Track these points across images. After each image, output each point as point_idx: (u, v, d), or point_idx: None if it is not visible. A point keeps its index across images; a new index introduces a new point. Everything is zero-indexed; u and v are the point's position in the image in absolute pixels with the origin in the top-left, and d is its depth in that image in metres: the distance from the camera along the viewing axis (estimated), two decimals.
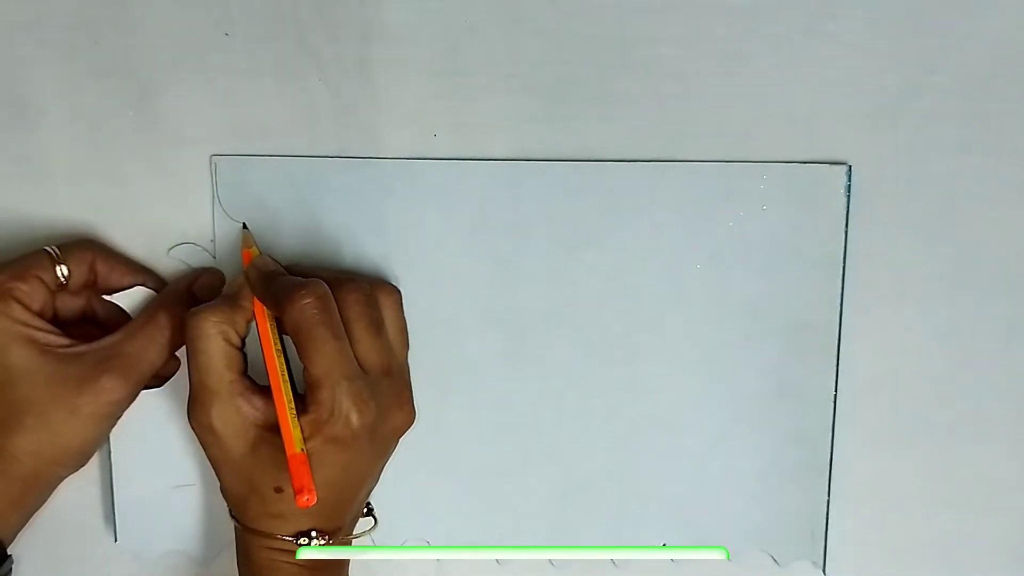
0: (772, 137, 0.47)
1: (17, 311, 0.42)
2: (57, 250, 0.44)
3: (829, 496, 0.48)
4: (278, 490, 0.42)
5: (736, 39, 0.46)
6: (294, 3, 0.46)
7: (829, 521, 0.48)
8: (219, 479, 0.44)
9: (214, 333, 0.42)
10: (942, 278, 0.48)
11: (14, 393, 0.42)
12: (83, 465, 0.45)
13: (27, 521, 0.44)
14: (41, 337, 0.42)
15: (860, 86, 0.46)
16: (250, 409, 0.42)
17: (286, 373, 0.43)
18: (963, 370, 0.48)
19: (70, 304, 0.45)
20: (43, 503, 0.45)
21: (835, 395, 0.48)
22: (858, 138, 0.47)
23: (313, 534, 0.43)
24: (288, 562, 0.43)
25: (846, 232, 0.47)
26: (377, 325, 0.43)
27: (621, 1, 0.46)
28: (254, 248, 0.46)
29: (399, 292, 0.45)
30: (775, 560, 0.49)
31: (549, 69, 0.46)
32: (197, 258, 0.47)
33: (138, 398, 0.44)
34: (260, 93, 0.46)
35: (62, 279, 0.44)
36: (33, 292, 0.43)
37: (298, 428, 0.41)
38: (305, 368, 0.41)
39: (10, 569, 0.44)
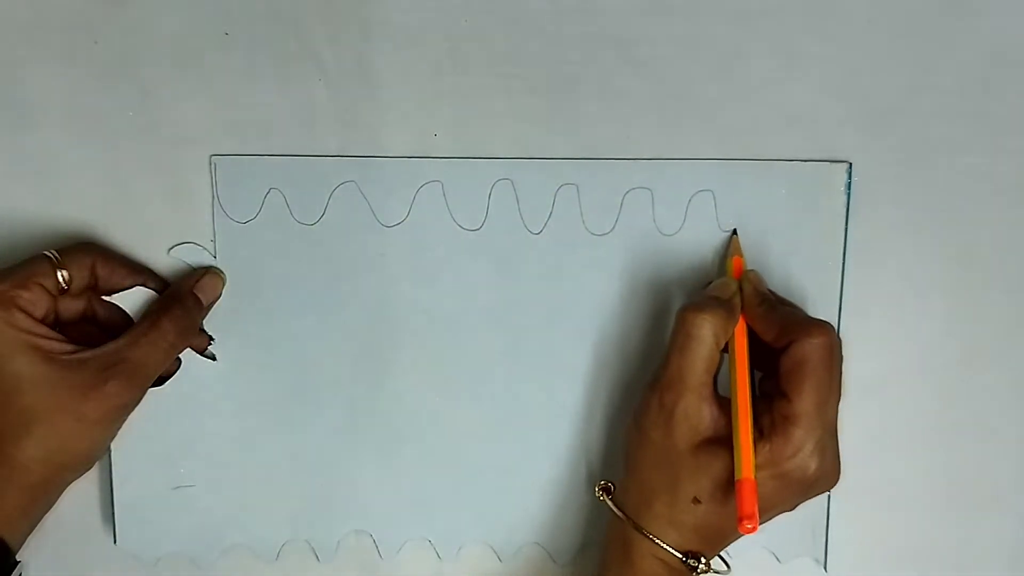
0: (772, 135, 0.47)
1: (20, 319, 0.42)
2: (57, 254, 0.44)
3: (830, 494, 0.48)
4: (695, 501, 0.42)
5: (736, 39, 0.46)
6: (294, 3, 0.46)
7: (830, 518, 0.48)
8: (635, 469, 0.44)
9: (709, 335, 0.42)
10: (942, 277, 0.48)
11: (21, 402, 0.42)
12: (90, 468, 0.45)
13: (35, 527, 0.44)
14: (45, 344, 0.42)
15: (860, 85, 0.46)
16: (708, 415, 0.42)
17: (752, 394, 0.42)
18: (963, 370, 0.48)
19: (71, 306, 0.45)
20: (50, 508, 0.45)
21: None
22: (858, 137, 0.47)
23: (702, 559, 0.42)
24: None
25: (846, 231, 0.47)
26: (841, 383, 0.43)
27: (621, 1, 0.46)
28: (743, 257, 0.46)
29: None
30: (776, 557, 0.49)
31: (549, 69, 0.46)
32: (197, 258, 0.47)
33: None
34: (260, 93, 0.46)
35: (63, 284, 0.44)
36: (35, 299, 0.43)
37: (752, 452, 0.41)
38: (790, 399, 0.41)
39: (20, 574, 0.44)
